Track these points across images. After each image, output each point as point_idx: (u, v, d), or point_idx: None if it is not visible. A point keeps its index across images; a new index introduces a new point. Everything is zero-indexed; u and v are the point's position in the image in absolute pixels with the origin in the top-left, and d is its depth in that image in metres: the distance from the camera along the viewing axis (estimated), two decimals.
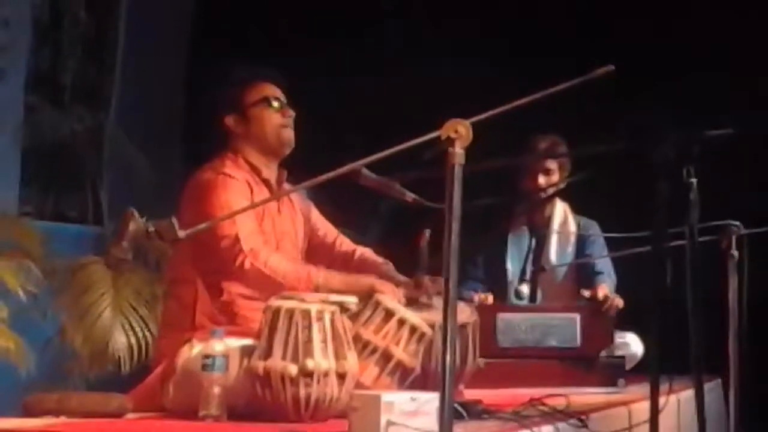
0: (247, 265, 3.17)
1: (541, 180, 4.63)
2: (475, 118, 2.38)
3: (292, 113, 3.47)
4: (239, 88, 3.48)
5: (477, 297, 4.39)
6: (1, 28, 5.41)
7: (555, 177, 4.63)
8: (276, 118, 3.45)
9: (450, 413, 2.23)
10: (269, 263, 3.17)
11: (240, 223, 3.20)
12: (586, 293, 4.19)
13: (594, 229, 4.71)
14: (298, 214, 3.57)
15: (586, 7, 5.65)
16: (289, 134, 3.46)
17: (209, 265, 3.26)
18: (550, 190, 4.64)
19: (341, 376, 2.81)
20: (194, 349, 3.09)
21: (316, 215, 3.67)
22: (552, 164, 4.63)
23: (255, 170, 3.43)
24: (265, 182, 3.44)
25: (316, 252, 3.60)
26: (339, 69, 5.82)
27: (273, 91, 3.49)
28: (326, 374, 2.79)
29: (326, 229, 3.67)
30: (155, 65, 6.14)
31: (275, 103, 3.46)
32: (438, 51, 5.81)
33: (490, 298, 4.44)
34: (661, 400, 2.83)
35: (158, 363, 3.26)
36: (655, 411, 2.82)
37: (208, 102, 3.57)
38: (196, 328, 3.22)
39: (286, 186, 3.49)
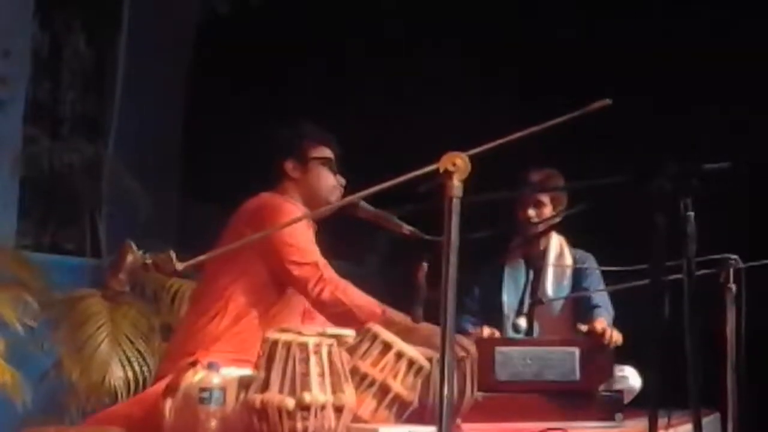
0: (326, 294, 3.30)
1: (531, 212, 4.60)
2: (473, 151, 2.39)
3: (343, 182, 3.61)
4: (306, 140, 3.63)
5: (475, 332, 4.35)
6: (1, 59, 5.42)
7: (547, 210, 4.61)
8: (332, 179, 3.60)
9: None
10: (348, 293, 3.31)
11: (314, 251, 3.36)
12: (583, 327, 4.16)
13: (590, 262, 4.70)
14: None
15: (584, 40, 5.67)
16: (337, 199, 3.56)
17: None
18: (542, 225, 4.62)
19: (338, 410, 2.80)
20: (196, 376, 3.09)
21: None
22: (544, 197, 4.62)
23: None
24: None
25: None
26: (338, 102, 5.83)
27: (333, 155, 3.64)
28: (323, 408, 2.78)
29: None
30: (154, 98, 6.16)
31: (334, 167, 3.62)
32: (437, 84, 5.82)
33: (490, 332, 4.41)
34: None
35: (164, 375, 3.28)
36: None
37: (270, 142, 3.72)
38: (207, 346, 3.26)
39: None
